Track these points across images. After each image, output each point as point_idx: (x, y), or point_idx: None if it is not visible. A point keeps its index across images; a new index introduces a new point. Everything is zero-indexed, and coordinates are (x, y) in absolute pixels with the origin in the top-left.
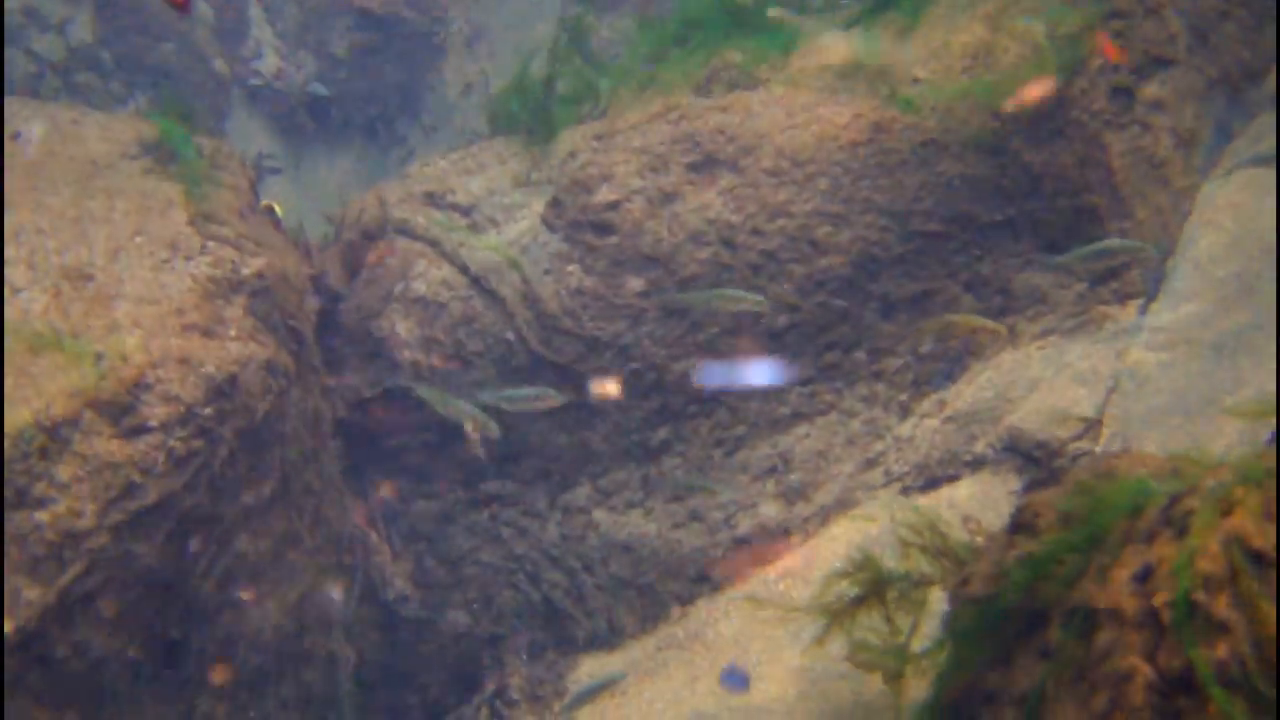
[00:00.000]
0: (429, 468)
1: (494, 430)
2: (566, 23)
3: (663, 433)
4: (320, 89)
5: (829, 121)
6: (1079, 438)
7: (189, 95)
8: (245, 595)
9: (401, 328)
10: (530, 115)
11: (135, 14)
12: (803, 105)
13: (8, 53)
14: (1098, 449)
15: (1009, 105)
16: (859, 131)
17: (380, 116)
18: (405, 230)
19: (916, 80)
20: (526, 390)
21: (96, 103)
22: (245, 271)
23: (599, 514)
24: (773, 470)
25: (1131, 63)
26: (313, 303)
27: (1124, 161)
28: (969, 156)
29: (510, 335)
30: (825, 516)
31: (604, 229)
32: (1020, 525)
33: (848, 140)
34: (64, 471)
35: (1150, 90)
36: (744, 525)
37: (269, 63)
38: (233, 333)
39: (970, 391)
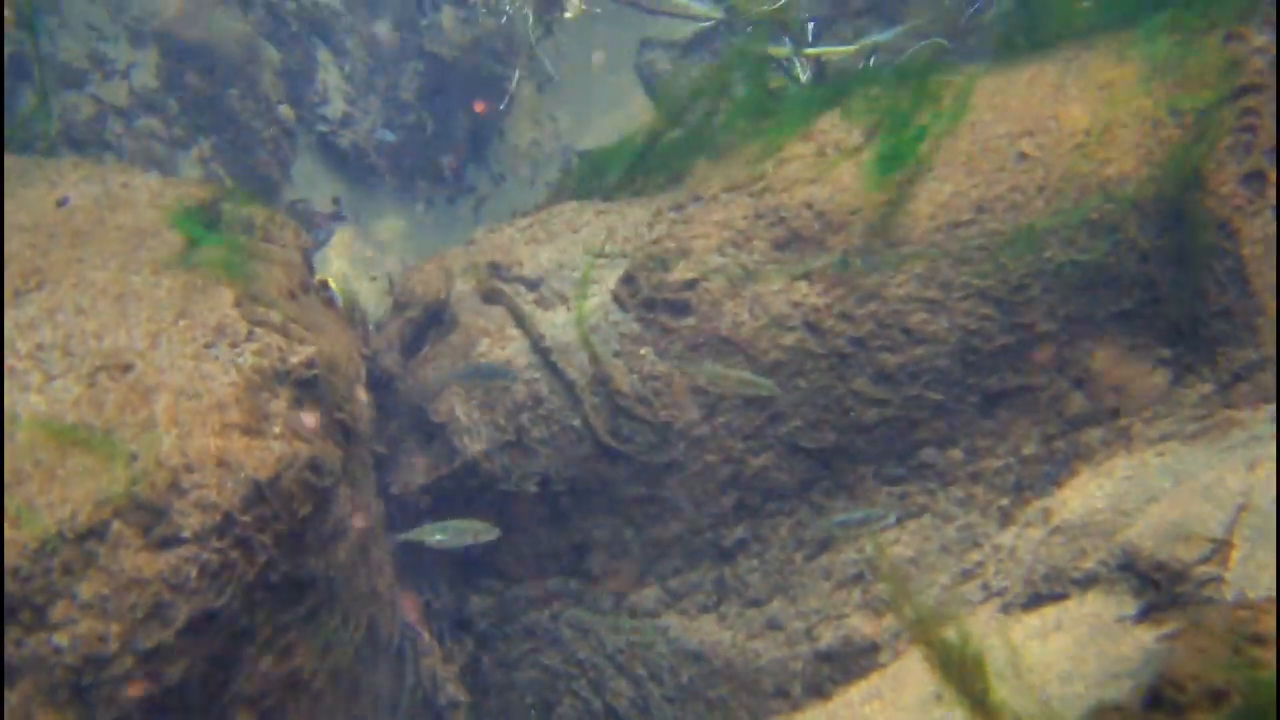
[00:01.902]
0: (487, 560)
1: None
2: (642, 70)
3: (739, 531)
4: (388, 135)
5: (925, 198)
6: (1206, 560)
7: (253, 143)
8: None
9: (461, 411)
10: (604, 181)
11: (201, 58)
12: (897, 181)
13: (70, 98)
14: (1228, 575)
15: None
16: (958, 211)
17: (449, 164)
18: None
19: (1023, 156)
20: (460, 523)
21: (159, 149)
22: (293, 360)
23: (669, 618)
24: (859, 578)
25: (1264, 143)
26: (365, 393)
27: (1255, 251)
28: (1080, 241)
29: (576, 422)
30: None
31: (680, 309)
32: (1159, 700)
33: (946, 220)
34: (87, 589)
35: None
36: (827, 637)
37: (335, 108)
38: (276, 429)
39: (1079, 500)
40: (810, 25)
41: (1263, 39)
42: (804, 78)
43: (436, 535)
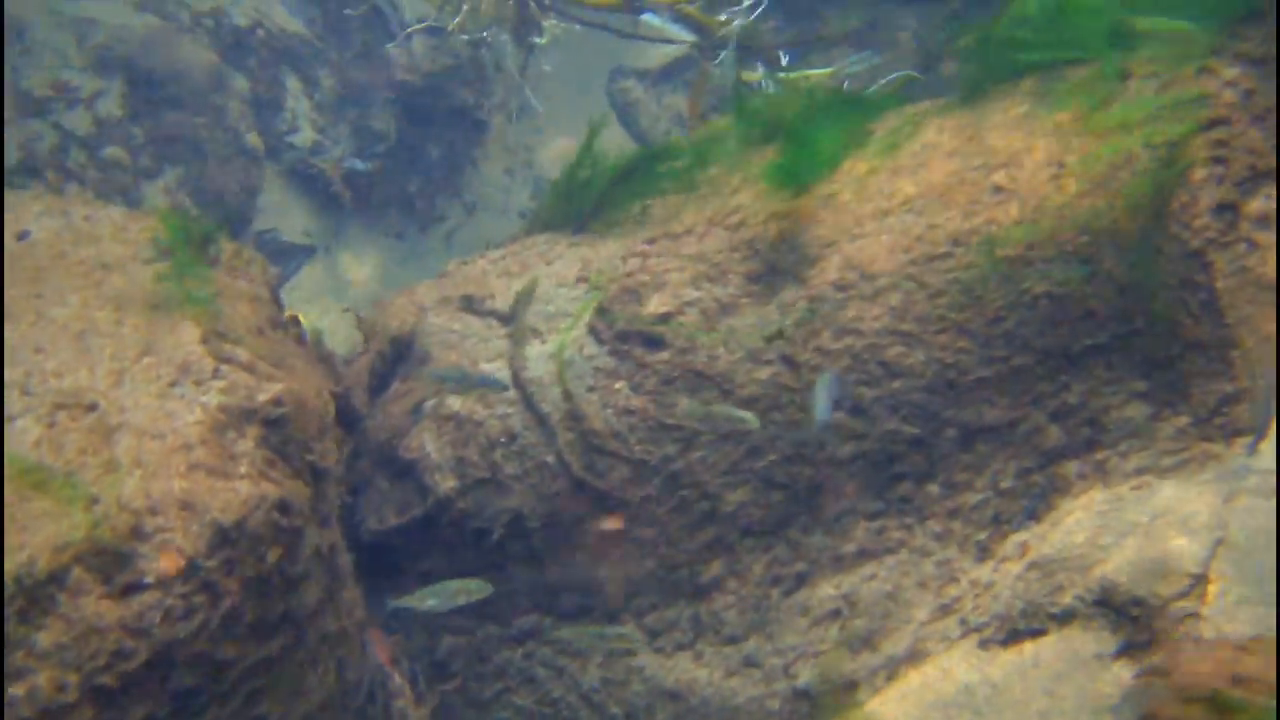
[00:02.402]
0: None
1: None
2: (615, 98)
3: (715, 568)
4: (358, 164)
5: (901, 231)
6: (1183, 595)
7: (219, 173)
8: None
9: (432, 447)
10: (577, 212)
11: (168, 87)
12: (872, 214)
13: (34, 127)
14: (1205, 610)
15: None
16: (934, 243)
17: (420, 194)
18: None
19: (998, 189)
20: (451, 585)
21: (124, 179)
22: (260, 399)
23: (644, 656)
24: (836, 614)
25: (1235, 175)
26: (334, 431)
27: (1229, 283)
28: (1056, 274)
29: (550, 458)
30: (894, 669)
31: (655, 343)
32: None
33: (922, 253)
34: (46, 638)
35: (1255, 205)
36: (805, 675)
37: (305, 137)
38: (243, 470)
39: (1056, 534)
40: (784, 51)
41: (1233, 72)
42: None
43: (429, 601)
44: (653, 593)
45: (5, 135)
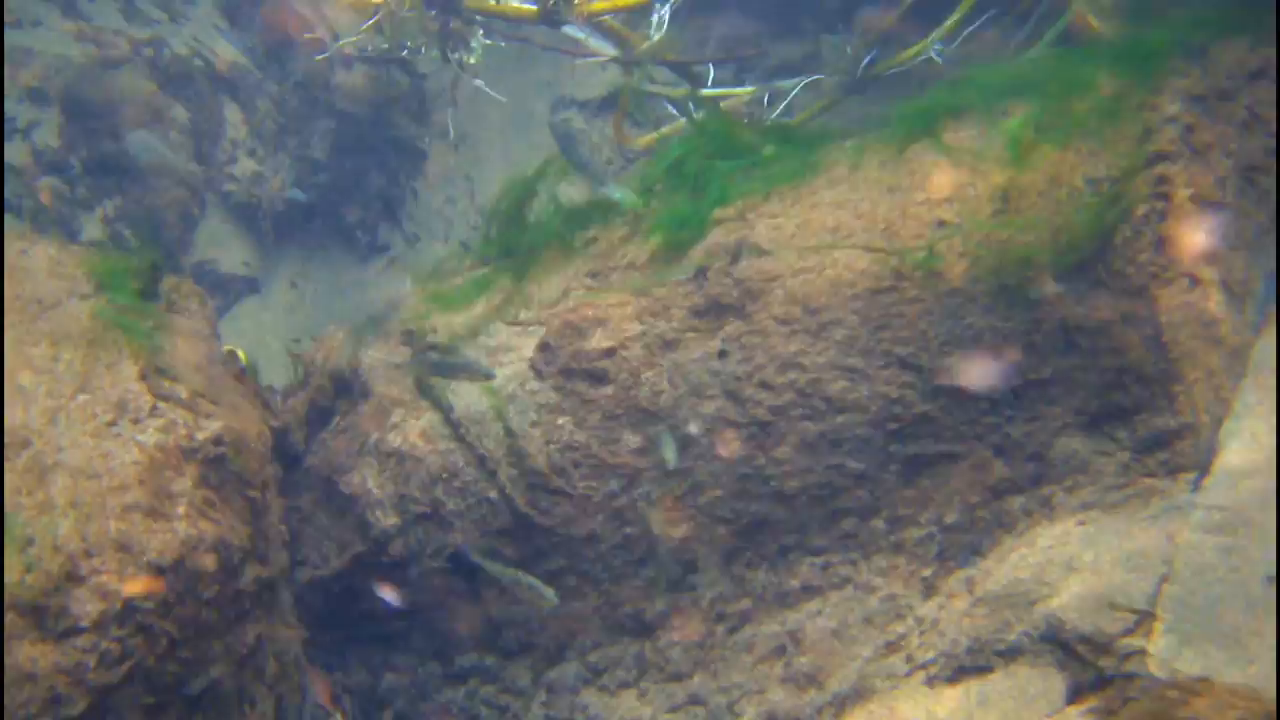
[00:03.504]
0: (401, 637)
1: (552, 599)
2: (556, 129)
3: (659, 605)
4: (298, 194)
5: (845, 266)
6: (1130, 632)
7: (158, 203)
8: None
9: (373, 484)
10: (516, 246)
11: (105, 118)
12: (816, 247)
13: None
14: (1151, 648)
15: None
16: (878, 278)
17: (361, 224)
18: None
19: (941, 223)
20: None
21: (62, 210)
22: (200, 437)
23: (588, 694)
24: (781, 651)
25: (1177, 210)
26: (273, 468)
27: (1173, 318)
28: (999, 309)
29: (493, 494)
30: (840, 707)
31: (598, 378)
32: None
33: (865, 287)
34: None
35: (1198, 240)
36: (750, 713)
37: (244, 166)
38: (181, 510)
39: (1002, 570)
40: (710, 68)
41: (1175, 108)
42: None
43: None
44: (596, 630)
45: None
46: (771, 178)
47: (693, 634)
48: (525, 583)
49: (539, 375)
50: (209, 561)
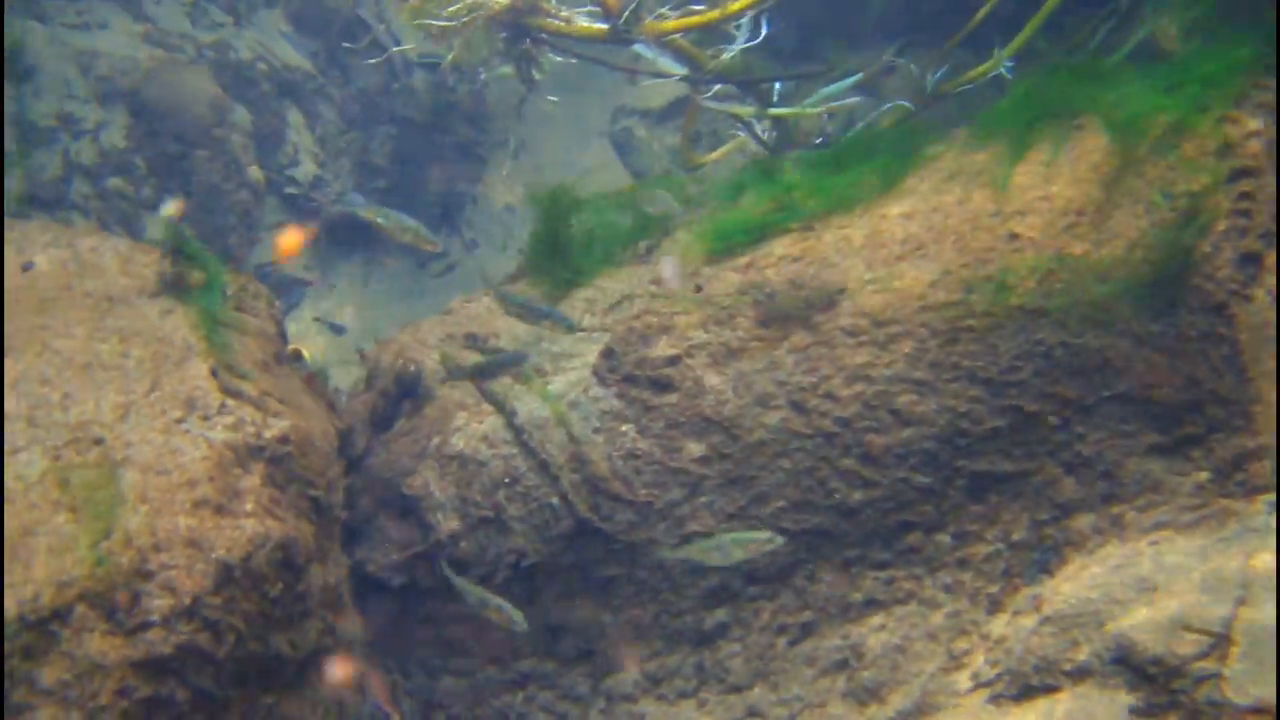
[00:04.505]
0: (460, 640)
1: (522, 624)
2: (616, 138)
3: (720, 614)
4: (358, 199)
5: (914, 278)
6: (1203, 656)
7: (221, 205)
8: None
9: (436, 487)
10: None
11: (171, 119)
12: (885, 259)
13: (39, 157)
14: (1227, 671)
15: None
16: (948, 290)
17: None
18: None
19: (1013, 236)
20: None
21: (126, 209)
22: (267, 435)
23: (647, 703)
24: (843, 665)
25: (1259, 226)
26: (338, 468)
27: (1252, 336)
28: (1072, 324)
29: (554, 500)
30: None
31: (662, 386)
32: None
33: (935, 300)
34: (48, 675)
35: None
36: None
37: (306, 170)
38: (248, 507)
39: (1071, 589)
40: (777, 86)
41: (1257, 123)
42: (767, 138)
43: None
44: (656, 639)
45: (6, 164)
46: (840, 189)
47: (753, 645)
48: (494, 604)
49: (602, 382)
50: (275, 559)
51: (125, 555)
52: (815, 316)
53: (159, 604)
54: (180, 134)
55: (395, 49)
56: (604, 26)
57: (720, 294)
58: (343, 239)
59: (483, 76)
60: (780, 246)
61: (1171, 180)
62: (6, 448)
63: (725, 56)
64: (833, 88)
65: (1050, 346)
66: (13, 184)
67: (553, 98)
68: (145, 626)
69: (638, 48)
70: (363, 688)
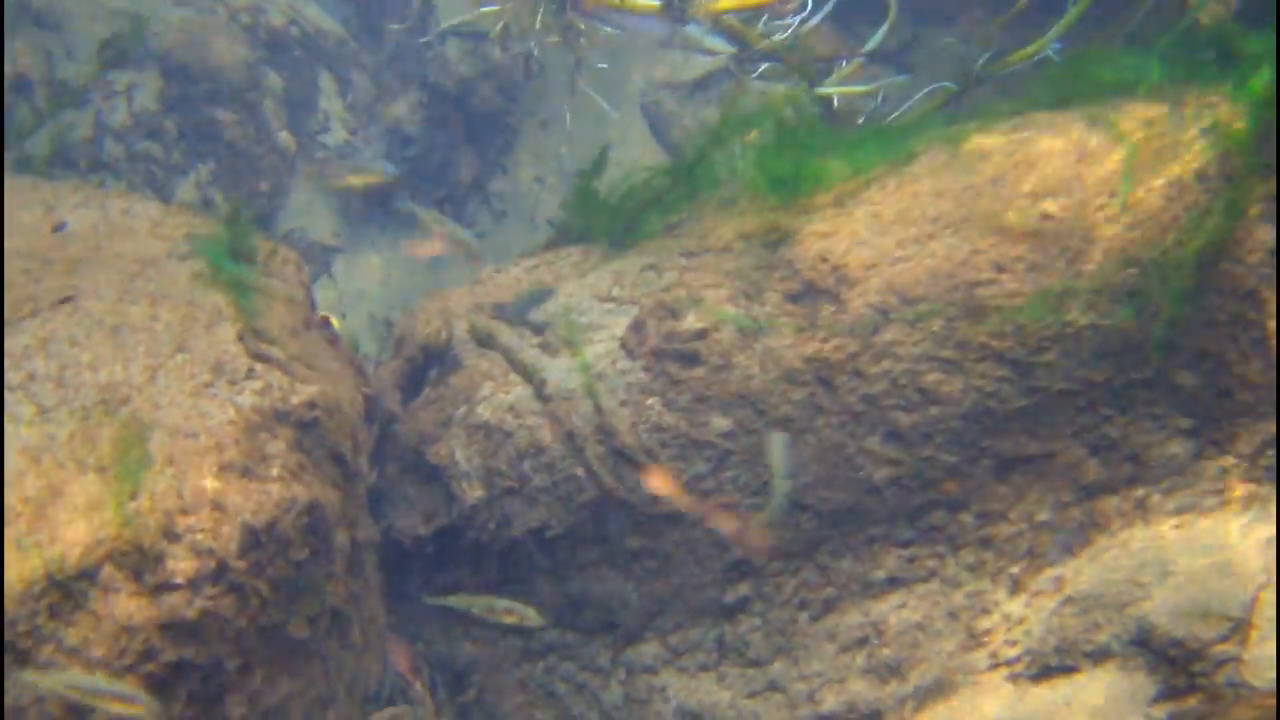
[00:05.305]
0: None
1: (535, 620)
2: (648, 111)
3: (742, 589)
4: (389, 167)
5: (944, 256)
6: (1224, 640)
7: (251, 170)
8: None
9: (461, 456)
10: (608, 223)
11: (203, 83)
12: (915, 236)
13: (70, 118)
14: (1246, 655)
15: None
16: (977, 269)
17: (449, 198)
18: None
19: (1046, 215)
20: (503, 603)
21: (157, 173)
22: (294, 400)
23: (667, 675)
24: (864, 641)
25: None
26: (365, 435)
27: None
28: (1102, 306)
29: (579, 471)
30: (922, 700)
31: (689, 360)
32: None
33: (965, 278)
34: (74, 634)
35: None
36: (830, 702)
37: (336, 136)
38: (275, 472)
39: (1093, 570)
40: (839, 62)
41: None
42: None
43: (473, 608)
44: (677, 611)
45: (34, 123)
46: (870, 164)
47: (774, 620)
48: (502, 607)
49: (629, 354)
50: (301, 524)
51: (152, 517)
52: (844, 292)
53: (185, 566)
54: (212, 97)
55: (430, 16)
56: (657, 3)
57: (749, 267)
58: (372, 204)
59: (532, 46)
60: (810, 221)
61: (1207, 163)
62: (35, 407)
63: (777, 37)
64: (847, 68)
65: (1079, 328)
66: (40, 145)
67: (602, 64)
68: (172, 588)
69: (690, 28)
70: (384, 655)
